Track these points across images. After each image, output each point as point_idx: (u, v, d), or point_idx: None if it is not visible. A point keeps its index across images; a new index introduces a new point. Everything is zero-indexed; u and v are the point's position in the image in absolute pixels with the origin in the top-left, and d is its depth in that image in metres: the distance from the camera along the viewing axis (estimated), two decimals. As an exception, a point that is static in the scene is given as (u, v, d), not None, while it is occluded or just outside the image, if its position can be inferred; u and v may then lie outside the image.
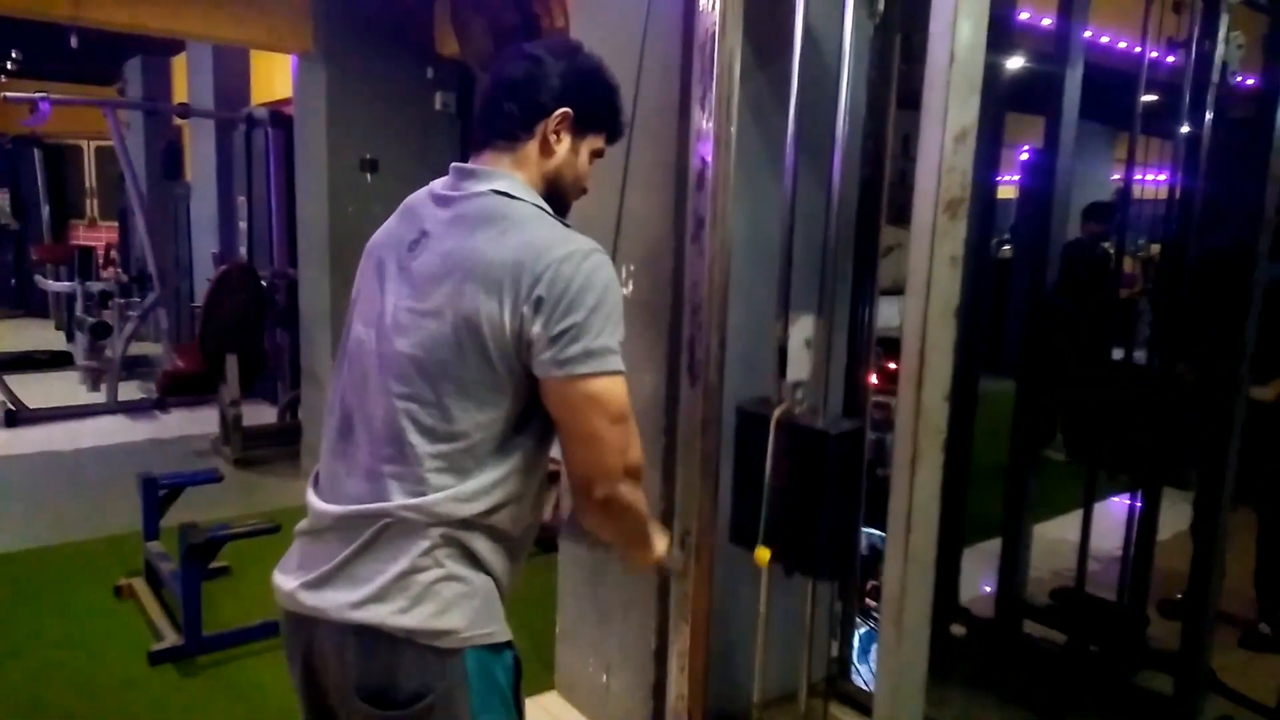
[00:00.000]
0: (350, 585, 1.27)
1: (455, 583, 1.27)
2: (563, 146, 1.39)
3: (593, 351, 1.23)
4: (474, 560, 1.29)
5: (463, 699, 1.27)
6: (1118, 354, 3.16)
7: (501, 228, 1.27)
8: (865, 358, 2.50)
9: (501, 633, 1.33)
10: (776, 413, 2.10)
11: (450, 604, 1.27)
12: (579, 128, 1.40)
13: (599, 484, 1.29)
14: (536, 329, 1.22)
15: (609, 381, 1.25)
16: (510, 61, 1.40)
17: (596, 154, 1.46)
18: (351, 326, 1.40)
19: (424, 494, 1.26)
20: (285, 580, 1.35)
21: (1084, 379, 3.09)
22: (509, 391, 1.27)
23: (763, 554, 2.10)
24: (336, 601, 1.27)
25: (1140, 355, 3.11)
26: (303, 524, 1.38)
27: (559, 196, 1.41)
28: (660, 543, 1.53)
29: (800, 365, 2.17)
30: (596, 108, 1.42)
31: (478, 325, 1.23)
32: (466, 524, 1.27)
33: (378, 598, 1.25)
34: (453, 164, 1.39)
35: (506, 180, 1.33)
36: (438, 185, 1.39)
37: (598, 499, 1.30)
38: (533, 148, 1.37)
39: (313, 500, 1.37)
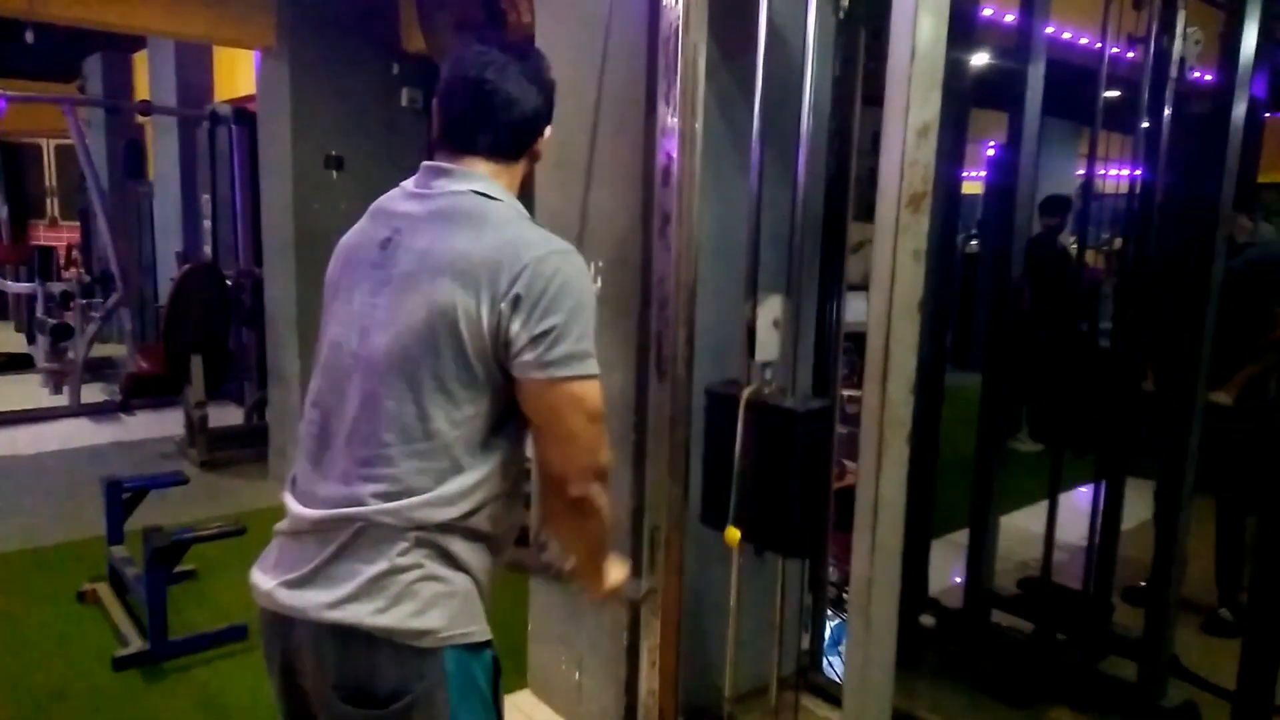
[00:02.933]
0: (328, 585, 1.27)
1: (435, 582, 1.28)
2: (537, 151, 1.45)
3: (575, 354, 1.25)
4: (452, 560, 1.29)
5: (442, 699, 1.28)
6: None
7: (480, 227, 1.27)
8: (834, 340, 2.51)
9: (481, 632, 1.33)
10: (745, 393, 2.10)
11: (429, 603, 1.27)
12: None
13: (574, 482, 1.31)
14: (515, 328, 1.23)
15: (589, 384, 1.28)
16: (511, 80, 1.34)
17: None
18: (327, 329, 1.39)
19: (399, 497, 1.25)
20: (263, 579, 1.35)
21: (1047, 359, 3.13)
22: (486, 391, 1.27)
23: (733, 534, 2.09)
24: (314, 601, 1.27)
25: (1103, 334, 3.15)
26: (281, 524, 1.38)
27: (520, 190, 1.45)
28: (618, 571, 1.54)
29: (769, 346, 2.17)
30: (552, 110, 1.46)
31: (454, 321, 1.23)
32: (443, 528, 1.27)
33: (355, 597, 1.25)
34: (424, 162, 1.38)
35: (485, 182, 1.34)
36: (409, 184, 1.39)
37: (571, 496, 1.32)
38: (522, 162, 1.42)
39: (290, 503, 1.37)
